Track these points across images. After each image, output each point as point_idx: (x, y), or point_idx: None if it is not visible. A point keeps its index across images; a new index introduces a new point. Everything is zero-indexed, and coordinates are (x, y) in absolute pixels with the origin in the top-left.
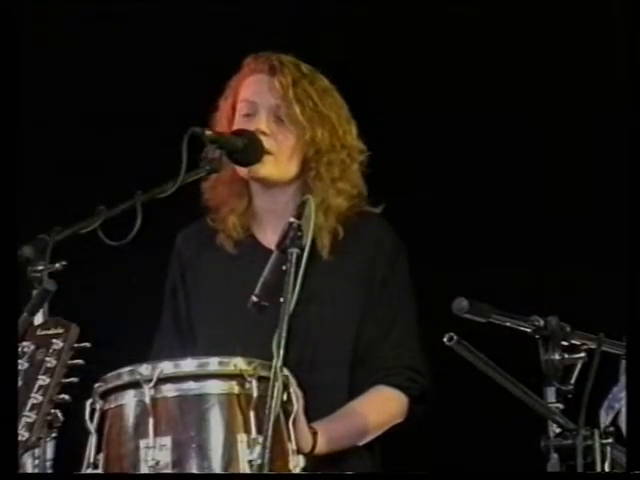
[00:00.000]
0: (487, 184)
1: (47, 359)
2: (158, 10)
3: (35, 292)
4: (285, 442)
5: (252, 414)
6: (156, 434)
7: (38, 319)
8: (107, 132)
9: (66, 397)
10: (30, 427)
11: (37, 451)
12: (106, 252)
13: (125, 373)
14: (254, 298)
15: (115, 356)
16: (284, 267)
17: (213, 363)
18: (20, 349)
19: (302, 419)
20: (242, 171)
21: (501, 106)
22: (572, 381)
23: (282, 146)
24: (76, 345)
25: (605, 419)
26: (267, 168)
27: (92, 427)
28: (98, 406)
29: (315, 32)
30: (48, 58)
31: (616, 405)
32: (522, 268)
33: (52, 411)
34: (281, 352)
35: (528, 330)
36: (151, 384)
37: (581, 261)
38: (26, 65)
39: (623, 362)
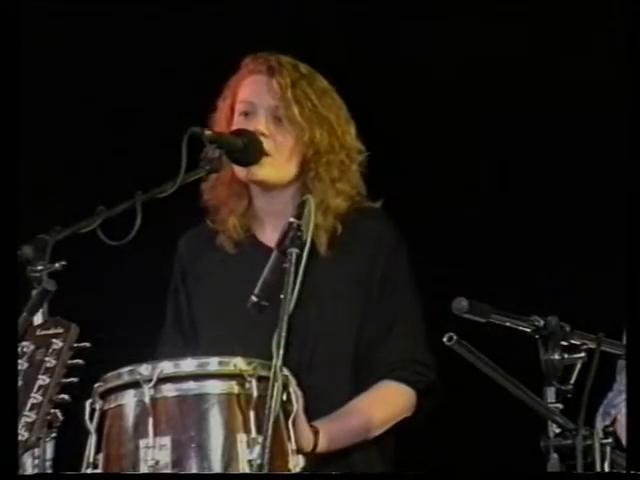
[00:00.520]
0: (487, 184)
1: (47, 359)
2: (158, 10)
3: (35, 292)
4: (285, 442)
5: (252, 414)
6: (156, 434)
7: (38, 319)
8: (107, 132)
9: (66, 397)
10: (30, 427)
11: (37, 451)
12: (106, 252)
13: (125, 373)
14: (254, 298)
15: (115, 356)
16: (284, 267)
17: (213, 363)
18: (20, 349)
19: (302, 418)
20: (241, 173)
21: (501, 104)
22: (572, 381)
23: (281, 147)
24: (76, 345)
25: (601, 425)
26: (265, 170)
27: (92, 427)
28: (98, 406)
29: (314, 32)
30: (48, 58)
31: (612, 411)
32: (522, 268)
33: (52, 411)
34: (281, 352)
35: (528, 330)
36: (151, 384)
37: (581, 261)
38: (26, 65)
39: (619, 362)
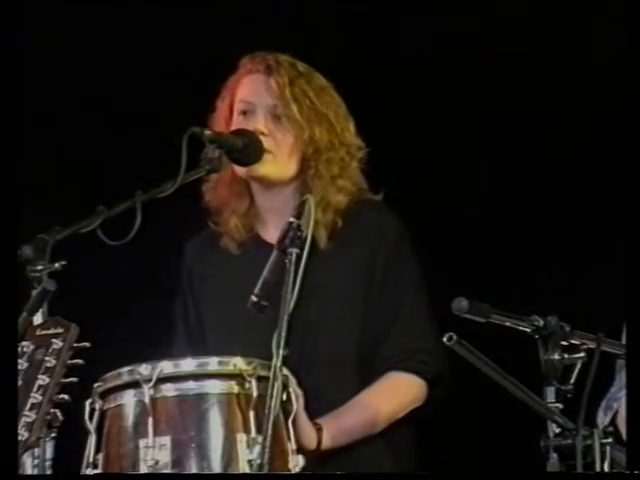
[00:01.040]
0: (487, 184)
1: (47, 359)
2: (158, 10)
3: (35, 292)
4: (285, 442)
5: (252, 414)
6: (156, 434)
7: (38, 319)
8: (107, 132)
9: (66, 397)
10: (30, 427)
11: (37, 451)
12: (106, 252)
13: (125, 373)
14: (254, 298)
15: (115, 356)
16: (284, 266)
17: (213, 363)
18: (20, 349)
19: (304, 417)
20: (241, 170)
21: (502, 102)
22: (572, 381)
23: (281, 145)
24: (75, 345)
25: (603, 419)
26: (266, 167)
27: (92, 427)
28: (97, 406)
29: (314, 31)
30: (48, 58)
31: (614, 405)
32: (522, 268)
33: (52, 411)
34: (280, 352)
35: (528, 330)
36: (151, 384)
37: (581, 261)
38: (26, 65)
39: (619, 361)
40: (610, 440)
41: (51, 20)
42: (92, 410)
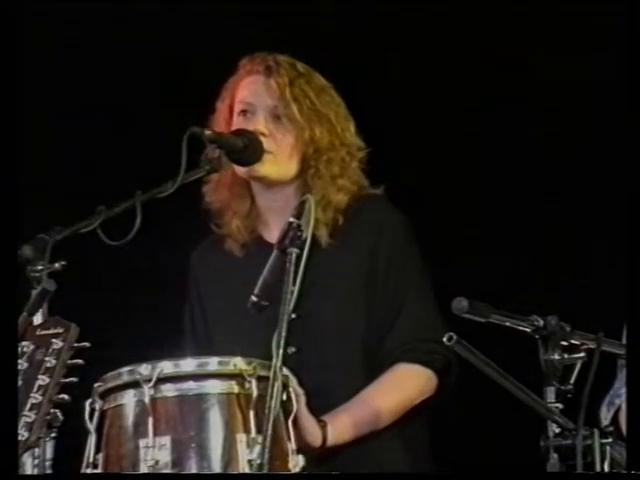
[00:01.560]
0: (487, 183)
1: (46, 359)
2: (158, 10)
3: (34, 292)
4: (285, 442)
5: (252, 414)
6: (155, 434)
7: (37, 319)
8: (107, 132)
9: (65, 397)
10: (30, 427)
11: (37, 451)
12: (106, 252)
13: (125, 373)
14: (253, 298)
15: (115, 356)
16: (284, 267)
17: (212, 363)
18: (19, 349)
19: (306, 415)
20: (241, 171)
21: (502, 101)
22: (572, 381)
23: (281, 145)
24: (75, 345)
25: (606, 415)
26: (266, 167)
27: (91, 427)
28: (97, 406)
29: (314, 30)
30: (48, 58)
31: (617, 401)
32: (522, 268)
33: (52, 411)
34: (280, 352)
35: (528, 330)
36: (151, 384)
37: (581, 261)
38: (26, 65)
39: (620, 361)
40: (610, 440)
41: (51, 20)
42: (92, 410)
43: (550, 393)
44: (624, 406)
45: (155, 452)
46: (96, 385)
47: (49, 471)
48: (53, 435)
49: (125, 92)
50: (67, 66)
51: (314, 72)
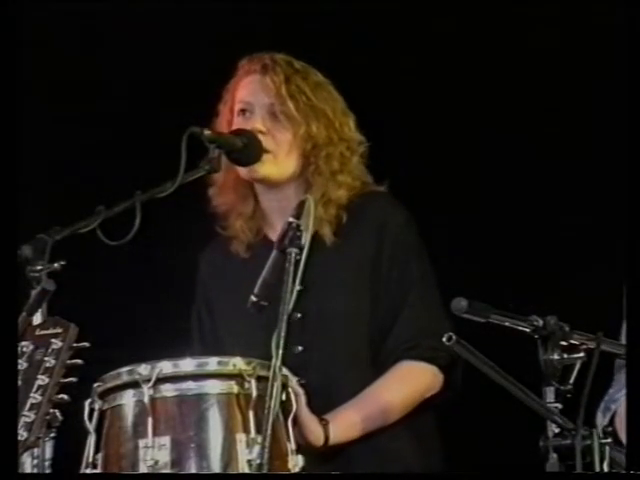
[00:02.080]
0: (487, 183)
1: (46, 359)
2: (158, 10)
3: (34, 292)
4: (284, 442)
5: (251, 414)
6: (155, 434)
7: (37, 319)
8: (107, 132)
9: (65, 397)
10: (29, 427)
11: (36, 451)
12: (105, 252)
13: (124, 373)
14: (253, 298)
15: (114, 356)
16: (283, 267)
17: (212, 363)
18: (19, 349)
19: (306, 414)
20: (242, 171)
21: (502, 99)
22: (571, 381)
23: (280, 143)
24: (75, 345)
25: (602, 420)
26: (266, 167)
27: (91, 427)
28: (97, 406)
29: (313, 29)
30: (48, 58)
31: (612, 406)
32: (522, 268)
33: (51, 411)
34: (280, 352)
35: (527, 330)
36: (150, 384)
37: (580, 261)
38: (26, 65)
39: (617, 362)
40: (609, 440)
41: (51, 19)
42: (91, 410)
43: (549, 393)
44: (620, 411)
45: (154, 452)
46: (95, 385)
47: (48, 471)
48: (52, 435)
49: (125, 92)
50: (67, 66)
51: (311, 69)
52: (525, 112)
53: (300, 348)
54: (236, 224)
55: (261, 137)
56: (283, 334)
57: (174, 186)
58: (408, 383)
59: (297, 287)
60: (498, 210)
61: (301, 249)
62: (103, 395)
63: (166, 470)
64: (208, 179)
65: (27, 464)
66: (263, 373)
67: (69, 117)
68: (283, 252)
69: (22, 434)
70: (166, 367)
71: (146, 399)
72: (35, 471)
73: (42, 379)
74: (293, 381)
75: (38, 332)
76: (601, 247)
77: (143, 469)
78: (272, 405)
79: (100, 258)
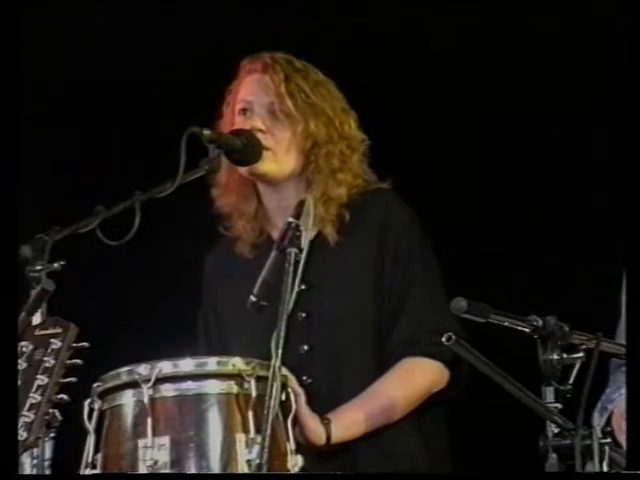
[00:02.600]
0: (487, 183)
1: (45, 359)
2: (158, 9)
3: (33, 292)
4: (284, 442)
5: (251, 414)
6: (154, 434)
7: (36, 319)
8: (107, 132)
9: (64, 397)
10: (29, 427)
11: (35, 451)
12: (105, 252)
13: (123, 373)
14: (253, 298)
15: (114, 356)
16: (283, 267)
17: (211, 363)
18: (18, 349)
19: (307, 413)
20: (243, 171)
21: (502, 99)
22: (571, 381)
23: (279, 141)
24: (74, 345)
25: (599, 420)
26: (266, 164)
27: (90, 427)
28: (96, 406)
29: (314, 29)
30: (48, 58)
31: (609, 406)
32: (521, 268)
33: (50, 411)
34: (279, 352)
35: (527, 330)
36: (150, 384)
37: (580, 261)
38: (26, 65)
39: (613, 362)
40: (609, 440)
41: (51, 19)
42: (91, 410)
43: (549, 393)
44: (617, 411)
45: (154, 452)
46: (95, 385)
47: (48, 471)
48: (52, 435)
49: (125, 92)
50: (67, 66)
51: (312, 68)
52: (526, 112)
53: (306, 347)
54: (239, 224)
55: (260, 136)
56: (283, 334)
57: (174, 186)
58: (411, 380)
59: (299, 287)
60: (498, 210)
61: (301, 249)
62: (103, 395)
63: (165, 470)
64: (211, 180)
65: (27, 464)
66: (262, 373)
67: (69, 117)
68: (283, 252)
69: (22, 434)
70: (166, 367)
71: (146, 399)
72: (35, 471)
73: (42, 379)
74: (293, 381)
75: (38, 332)
76: (601, 247)
77: (143, 469)
78: (272, 405)
79: (99, 258)
